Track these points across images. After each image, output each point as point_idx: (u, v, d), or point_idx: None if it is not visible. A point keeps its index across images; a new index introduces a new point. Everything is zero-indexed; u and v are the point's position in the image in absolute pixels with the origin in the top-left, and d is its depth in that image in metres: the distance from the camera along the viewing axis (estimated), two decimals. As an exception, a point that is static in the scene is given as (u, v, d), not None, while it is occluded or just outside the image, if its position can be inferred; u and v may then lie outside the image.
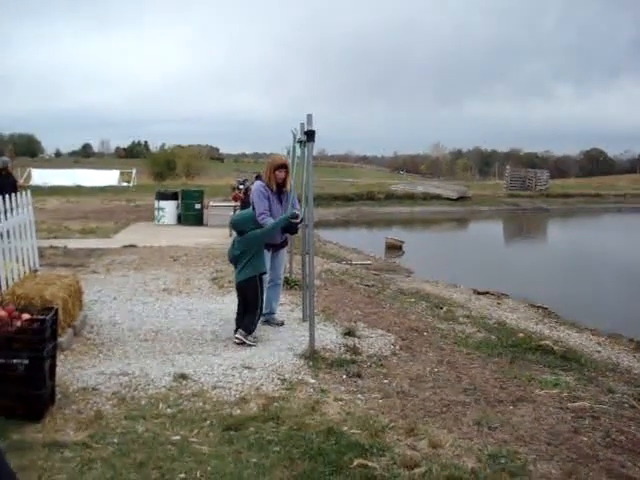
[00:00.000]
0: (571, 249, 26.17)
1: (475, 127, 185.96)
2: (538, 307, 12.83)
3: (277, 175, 7.61)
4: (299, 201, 7.94)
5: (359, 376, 6.27)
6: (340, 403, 5.51)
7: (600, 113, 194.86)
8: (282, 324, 7.94)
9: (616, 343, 10.25)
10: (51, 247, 14.13)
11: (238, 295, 7.36)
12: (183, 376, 5.87)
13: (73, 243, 15.06)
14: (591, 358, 8.53)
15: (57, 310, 5.19)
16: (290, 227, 7.50)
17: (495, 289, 14.45)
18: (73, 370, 5.94)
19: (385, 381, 6.23)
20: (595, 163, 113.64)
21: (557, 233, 34.72)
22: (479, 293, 13.72)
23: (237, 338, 7.10)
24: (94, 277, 10.68)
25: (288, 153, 10.81)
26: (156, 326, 7.70)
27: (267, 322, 7.79)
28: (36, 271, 8.67)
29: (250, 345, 7.05)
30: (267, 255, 7.53)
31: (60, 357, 6.06)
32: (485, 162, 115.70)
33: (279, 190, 7.69)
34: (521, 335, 8.94)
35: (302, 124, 7.81)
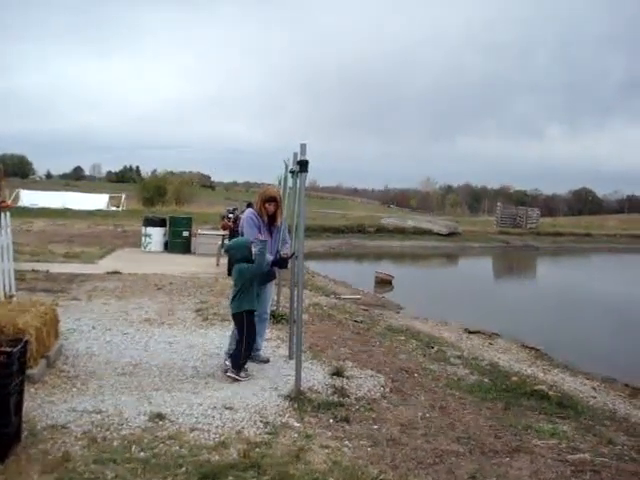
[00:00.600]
0: (561, 288, 25.95)
1: (466, 163, 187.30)
2: (530, 348, 12.57)
3: (267, 208, 7.31)
4: (289, 232, 7.65)
5: (347, 421, 5.92)
6: (326, 451, 5.15)
7: (590, 153, 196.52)
8: (267, 361, 7.58)
9: (611, 388, 9.99)
10: (33, 271, 13.76)
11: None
12: (160, 416, 5.49)
13: (56, 267, 14.66)
14: (587, 405, 8.25)
15: (27, 342, 4.84)
16: (280, 261, 7.22)
17: (485, 328, 14.20)
18: (43, 405, 5.56)
19: (374, 427, 5.88)
20: (584, 202, 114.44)
21: (547, 272, 34.49)
22: (470, 332, 13.44)
23: (229, 377, 6.77)
24: (74, 304, 10.30)
25: (279, 183, 10.56)
26: (135, 359, 7.33)
27: (251, 359, 7.42)
28: (12, 297, 8.31)
29: (241, 380, 6.76)
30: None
31: (30, 390, 5.72)
32: (475, 198, 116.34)
33: (270, 222, 7.38)
34: (515, 379, 8.64)
35: (295, 154, 7.56)
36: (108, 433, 5.06)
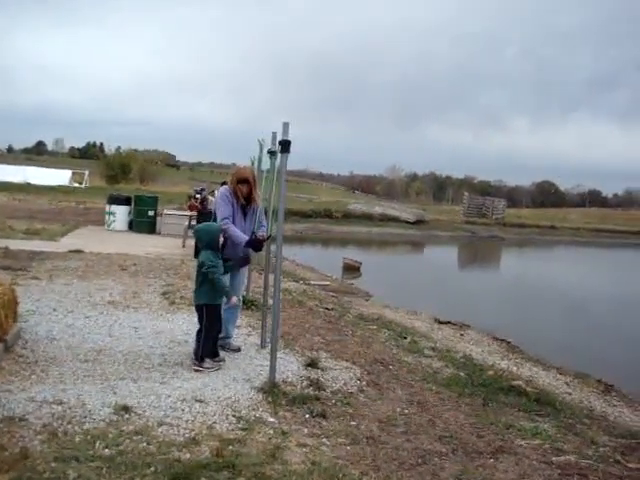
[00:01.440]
0: (527, 280, 26.03)
1: (431, 152, 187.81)
2: (501, 340, 12.44)
3: (240, 189, 6.91)
4: (265, 214, 7.28)
5: (324, 416, 5.61)
6: (304, 449, 4.84)
7: (554, 147, 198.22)
8: (239, 350, 7.23)
9: (585, 384, 9.87)
10: (-9, 247, 13.19)
11: None
12: (125, 408, 5.12)
13: (16, 244, 14.09)
14: (564, 402, 8.08)
15: (-18, 327, 4.43)
16: (255, 243, 6.82)
17: (455, 318, 14.06)
18: (-1, 394, 5.16)
19: (352, 423, 5.58)
20: (546, 195, 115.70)
21: (513, 263, 34.63)
22: (441, 322, 13.28)
23: (195, 370, 6.42)
24: (34, 284, 9.82)
25: (253, 164, 10.17)
26: (98, 345, 6.91)
27: (222, 347, 7.07)
28: (-33, 276, 7.84)
29: (207, 369, 6.40)
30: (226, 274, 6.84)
31: (-15, 378, 5.31)
32: (440, 187, 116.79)
33: (245, 203, 7.01)
34: (491, 373, 8.43)
35: (274, 133, 7.20)
36: (70, 427, 4.67)
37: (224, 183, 7.22)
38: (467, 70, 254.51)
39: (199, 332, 6.51)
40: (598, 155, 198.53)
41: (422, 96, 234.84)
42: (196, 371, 6.36)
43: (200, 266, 6.49)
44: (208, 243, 6.51)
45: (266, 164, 7.49)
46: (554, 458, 5.53)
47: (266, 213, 7.24)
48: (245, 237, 6.75)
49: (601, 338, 15.39)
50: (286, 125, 6.05)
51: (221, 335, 7.09)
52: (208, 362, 6.50)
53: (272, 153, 7.15)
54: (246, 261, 7.28)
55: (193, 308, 6.98)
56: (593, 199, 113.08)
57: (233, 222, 6.83)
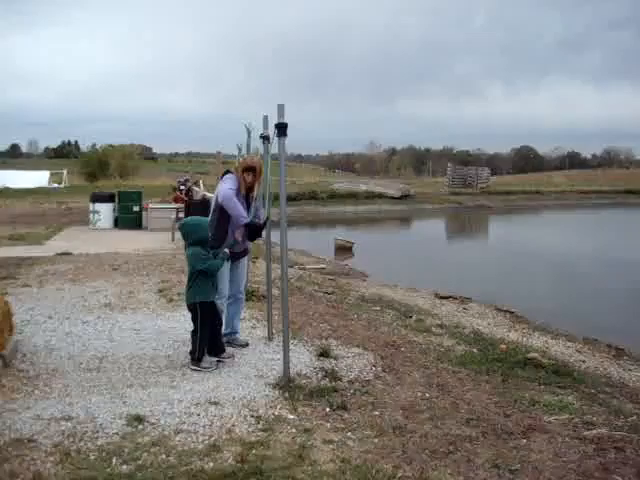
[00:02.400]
0: (519, 247, 25.91)
1: (408, 125, 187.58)
2: (505, 311, 12.29)
3: (245, 177, 6.63)
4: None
5: (345, 408, 5.37)
6: (330, 446, 4.59)
7: (529, 111, 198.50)
8: (247, 345, 6.96)
9: (595, 350, 9.74)
10: (-25, 256, 12.82)
11: None
12: (138, 418, 4.85)
13: (1, 251, 13.73)
14: (581, 371, 7.92)
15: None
16: (254, 230, 6.52)
17: (452, 290, 13.92)
18: (4, 414, 4.85)
19: (375, 413, 5.35)
20: (526, 160, 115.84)
21: (503, 231, 34.55)
22: (442, 297, 13.08)
23: (191, 369, 6.15)
24: (25, 291, 9.49)
25: (240, 151, 9.86)
26: (100, 351, 6.62)
27: (229, 343, 6.81)
28: (-44, 289, 7.51)
29: (206, 369, 6.10)
30: (226, 266, 6.55)
31: (-14, 397, 5.02)
32: (419, 160, 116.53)
33: (247, 193, 6.73)
34: (503, 347, 8.24)
35: (265, 116, 6.90)
36: (82, 444, 4.40)
37: (228, 171, 6.89)
38: (438, 41, 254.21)
39: (194, 332, 6.22)
40: (574, 117, 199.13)
41: (395, 70, 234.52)
42: (194, 371, 6.09)
43: (192, 264, 6.19)
44: (198, 239, 6.19)
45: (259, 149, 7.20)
46: (586, 432, 5.34)
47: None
48: (246, 217, 6.43)
49: (600, 300, 15.31)
50: (281, 107, 5.75)
51: (227, 330, 6.84)
52: (206, 361, 6.20)
53: (265, 138, 6.86)
54: (245, 252, 7.00)
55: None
56: (573, 161, 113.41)
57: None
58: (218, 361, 6.26)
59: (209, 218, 6.60)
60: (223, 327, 6.68)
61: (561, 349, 9.39)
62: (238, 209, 6.37)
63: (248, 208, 6.64)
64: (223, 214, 6.49)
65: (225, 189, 6.47)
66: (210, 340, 6.24)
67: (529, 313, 12.36)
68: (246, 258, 7.15)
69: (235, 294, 6.95)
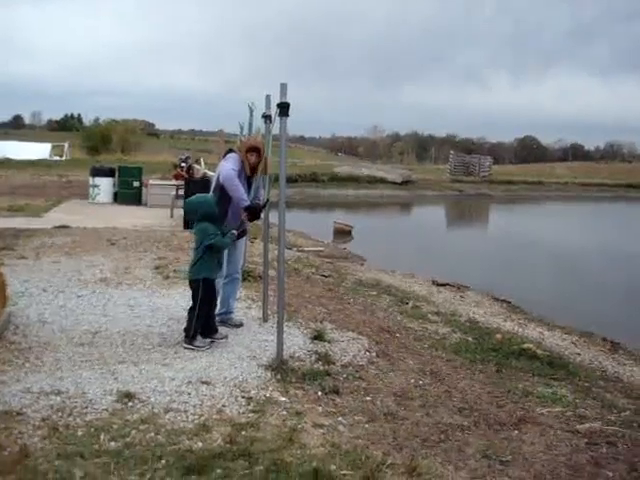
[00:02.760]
0: (518, 237, 25.85)
1: (412, 111, 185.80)
2: (502, 301, 12.25)
3: (249, 158, 6.54)
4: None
5: (337, 392, 5.33)
6: (321, 430, 4.56)
7: (533, 102, 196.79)
8: (241, 325, 6.92)
9: (591, 343, 9.72)
10: (-27, 226, 12.77)
11: None
12: (128, 395, 4.81)
13: (-1, 222, 13.67)
14: (576, 363, 7.91)
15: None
16: (253, 212, 6.46)
17: (450, 278, 13.87)
18: (-7, 386, 4.83)
19: (367, 398, 5.32)
20: (529, 150, 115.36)
21: (503, 220, 34.48)
22: (439, 284, 13.04)
23: (184, 347, 6.09)
24: (21, 263, 9.44)
25: (243, 130, 9.79)
26: (93, 326, 6.56)
27: (223, 322, 6.76)
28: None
29: (199, 348, 6.04)
30: None
31: (-24, 368, 4.98)
32: (422, 146, 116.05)
33: (250, 174, 6.63)
34: (499, 336, 8.24)
35: (268, 96, 6.82)
36: (71, 419, 4.36)
37: (231, 150, 6.80)
38: (444, 28, 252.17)
39: (192, 309, 6.17)
40: (578, 108, 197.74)
41: (400, 55, 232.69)
42: (186, 349, 6.04)
43: (199, 239, 6.15)
44: (205, 214, 6.14)
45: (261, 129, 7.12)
46: (578, 426, 5.34)
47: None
48: (247, 200, 6.36)
49: (598, 293, 15.27)
50: (284, 86, 5.66)
51: (222, 310, 6.80)
52: (200, 340, 6.13)
53: (267, 117, 6.78)
54: (244, 232, 6.94)
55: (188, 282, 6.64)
56: (576, 153, 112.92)
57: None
58: (211, 341, 6.21)
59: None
60: (218, 307, 6.65)
61: (557, 341, 9.36)
62: (239, 191, 6.30)
63: (249, 190, 6.57)
64: (224, 194, 6.41)
65: (227, 169, 6.39)
66: (204, 320, 6.19)
67: (526, 304, 12.33)
68: (245, 238, 7.11)
69: (232, 274, 6.90)
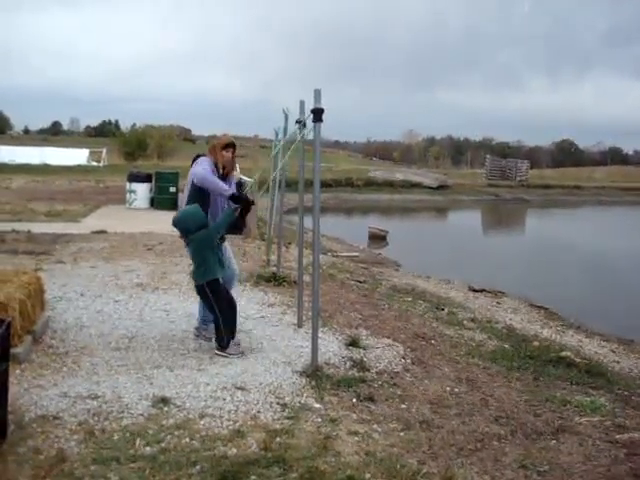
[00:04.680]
0: (555, 242, 25.54)
1: (447, 115, 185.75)
2: (539, 307, 12.11)
3: (225, 155, 6.39)
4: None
5: (371, 399, 5.31)
6: (355, 438, 4.53)
7: (571, 104, 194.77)
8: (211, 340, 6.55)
9: (630, 351, 9.55)
10: (13, 231, 13.00)
11: None
12: (164, 400, 4.84)
13: (38, 227, 13.88)
14: (615, 372, 7.76)
15: (10, 322, 4.14)
16: (243, 201, 6.15)
17: (486, 284, 13.76)
18: (30, 390, 4.88)
19: (402, 406, 5.28)
20: (566, 154, 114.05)
21: (540, 225, 34.12)
22: (475, 290, 12.94)
23: (216, 354, 6.08)
24: (59, 268, 9.57)
25: (277, 135, 9.83)
26: (130, 331, 6.63)
27: (198, 334, 6.57)
28: (-9, 264, 7.57)
29: (232, 355, 6.03)
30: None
31: (16, 372, 5.05)
32: (458, 150, 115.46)
33: (224, 173, 6.44)
34: (536, 344, 8.12)
35: (302, 101, 6.84)
36: (107, 423, 4.40)
37: (199, 156, 6.63)
38: (480, 29, 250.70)
39: (214, 316, 6.10)
40: (617, 112, 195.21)
41: (435, 58, 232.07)
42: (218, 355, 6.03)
43: (200, 248, 6.08)
44: (199, 226, 5.98)
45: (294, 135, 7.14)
46: (618, 436, 5.21)
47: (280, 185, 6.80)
48: (228, 189, 6.13)
49: (637, 300, 14.99)
50: (317, 92, 5.65)
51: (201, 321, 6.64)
52: (233, 347, 6.11)
53: (301, 123, 6.78)
54: (223, 238, 6.51)
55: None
56: (614, 157, 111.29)
57: (211, 199, 6.28)
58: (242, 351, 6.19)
59: (185, 203, 6.39)
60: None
61: (595, 348, 9.22)
62: (218, 183, 6.10)
63: None
64: (199, 199, 6.19)
65: (198, 169, 6.22)
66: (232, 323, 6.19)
67: (564, 310, 12.19)
68: (227, 244, 6.77)
69: (230, 277, 6.62)
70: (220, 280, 6.20)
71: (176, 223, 6.15)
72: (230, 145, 6.49)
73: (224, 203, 6.38)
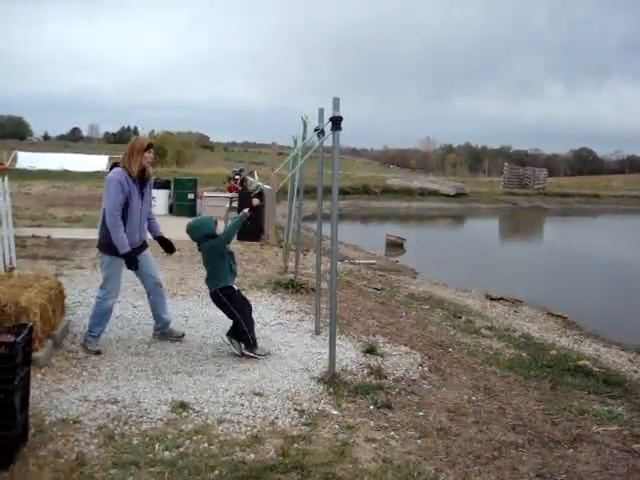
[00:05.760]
0: (574, 251, 25.36)
1: (465, 122, 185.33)
2: (557, 316, 12.04)
3: (146, 157, 6.22)
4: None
5: (389, 407, 5.32)
6: (373, 445, 4.55)
7: (589, 113, 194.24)
8: (183, 335, 6.69)
9: (649, 361, 9.43)
10: (33, 236, 13.11)
11: None
12: (183, 405, 4.88)
13: (58, 233, 13.99)
14: (632, 381, 7.70)
15: (32, 327, 4.20)
16: (133, 261, 6.18)
17: (504, 292, 13.69)
18: (51, 394, 4.95)
19: (420, 413, 5.28)
20: (584, 162, 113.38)
21: (558, 234, 33.91)
22: (492, 299, 12.89)
23: (245, 355, 6.21)
24: (79, 273, 9.67)
25: (296, 143, 9.87)
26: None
27: (164, 336, 6.60)
28: (12, 269, 7.64)
29: (259, 356, 6.20)
30: (120, 265, 6.23)
31: (37, 377, 5.12)
32: (475, 158, 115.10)
33: (142, 178, 6.28)
34: (554, 353, 8.09)
35: (321, 109, 6.88)
36: (127, 428, 4.45)
37: (116, 165, 6.55)
38: (497, 38, 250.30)
39: (235, 324, 6.25)
40: (635, 120, 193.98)
41: (453, 66, 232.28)
42: (247, 357, 6.17)
43: (210, 255, 6.32)
44: (207, 234, 6.28)
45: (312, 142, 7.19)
46: (635, 446, 5.18)
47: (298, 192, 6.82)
48: (127, 247, 6.08)
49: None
50: (336, 100, 5.69)
51: (158, 325, 6.65)
52: (260, 348, 6.30)
53: (320, 131, 6.82)
54: (144, 245, 6.57)
55: (242, 293, 6.75)
56: (633, 165, 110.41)
57: (129, 205, 6.11)
58: (267, 352, 6.31)
59: (102, 215, 6.27)
60: (153, 323, 6.66)
61: (613, 358, 9.16)
62: (121, 241, 6.04)
63: (142, 196, 6.28)
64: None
65: (111, 202, 6.02)
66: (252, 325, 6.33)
67: (581, 319, 12.11)
68: (148, 250, 6.67)
69: (154, 285, 6.63)
70: (235, 287, 6.33)
71: (189, 231, 6.35)
72: (150, 146, 6.35)
73: (145, 213, 6.40)
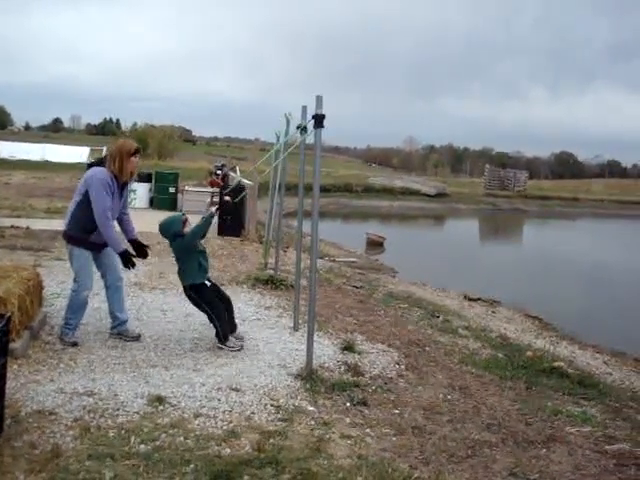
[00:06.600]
0: (552, 254, 25.59)
1: (448, 123, 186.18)
2: (533, 318, 12.18)
3: (132, 162, 6.15)
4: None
5: (365, 404, 5.35)
6: (348, 442, 4.58)
7: (571, 117, 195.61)
8: (139, 337, 6.48)
9: (623, 364, 9.61)
10: (12, 227, 13.02)
11: None
12: (159, 399, 4.88)
13: (37, 224, 13.90)
14: (607, 383, 7.80)
15: (9, 318, 4.18)
16: (128, 259, 6.21)
17: (481, 293, 13.84)
18: (27, 385, 4.92)
19: (395, 411, 5.32)
20: (565, 166, 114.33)
21: (537, 235, 34.18)
22: (470, 299, 13.00)
23: (218, 347, 6.29)
24: (57, 265, 9.59)
25: (279, 139, 9.87)
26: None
27: (119, 335, 6.41)
28: (-10, 259, 7.58)
29: (231, 348, 6.27)
30: (88, 257, 6.21)
31: (13, 367, 5.09)
32: (457, 159, 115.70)
33: (123, 180, 6.18)
34: (530, 354, 8.16)
35: (304, 107, 6.90)
36: (103, 420, 4.44)
37: (94, 164, 6.38)
38: (482, 40, 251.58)
39: (209, 318, 6.33)
40: (617, 125, 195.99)
41: (437, 66, 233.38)
42: (225, 351, 6.21)
43: (180, 252, 6.39)
44: (176, 233, 6.32)
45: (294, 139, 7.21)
46: (607, 447, 5.26)
47: (280, 188, 6.90)
48: (122, 246, 6.17)
49: (631, 313, 15.08)
50: (319, 98, 5.70)
51: (114, 323, 6.48)
52: (232, 341, 6.35)
53: (302, 128, 6.84)
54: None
55: (221, 288, 6.79)
56: (613, 170, 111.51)
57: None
58: (242, 345, 6.35)
59: (73, 207, 6.17)
60: (109, 320, 6.51)
61: (588, 360, 9.28)
62: (113, 240, 6.08)
63: (121, 195, 6.25)
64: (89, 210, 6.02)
65: (100, 203, 5.97)
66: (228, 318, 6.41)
67: (558, 321, 12.25)
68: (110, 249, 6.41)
69: (114, 282, 6.47)
70: (207, 283, 6.35)
71: (161, 230, 6.41)
72: (138, 151, 6.26)
73: (121, 208, 6.36)
